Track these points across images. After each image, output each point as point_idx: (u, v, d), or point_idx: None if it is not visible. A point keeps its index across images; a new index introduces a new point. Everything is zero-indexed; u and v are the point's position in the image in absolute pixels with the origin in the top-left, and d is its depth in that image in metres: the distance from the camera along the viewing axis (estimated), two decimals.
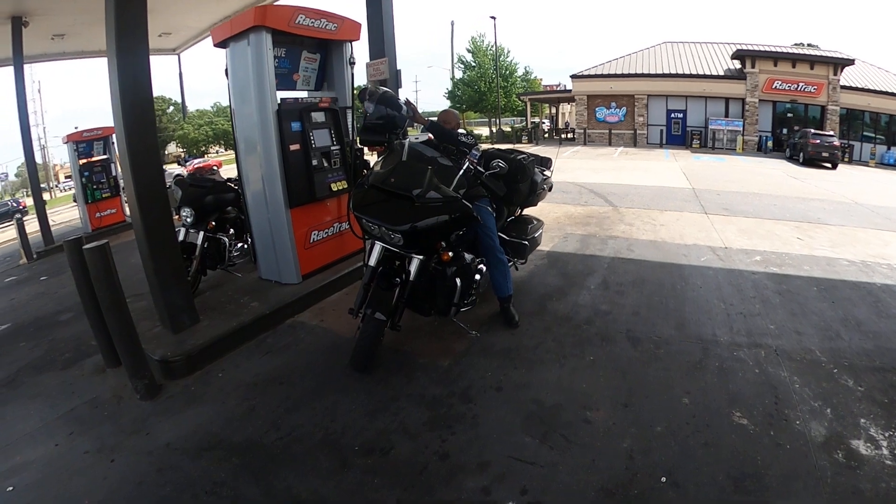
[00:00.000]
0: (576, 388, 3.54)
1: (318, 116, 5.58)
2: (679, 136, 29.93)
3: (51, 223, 12.38)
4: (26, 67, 11.38)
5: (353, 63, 5.94)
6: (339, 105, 5.90)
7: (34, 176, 12.87)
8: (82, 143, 12.63)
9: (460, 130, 4.45)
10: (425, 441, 3.05)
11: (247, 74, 4.94)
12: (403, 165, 3.76)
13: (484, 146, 4.68)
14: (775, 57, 27.61)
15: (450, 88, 42.29)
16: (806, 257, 6.41)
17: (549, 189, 5.57)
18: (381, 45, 6.74)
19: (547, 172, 5.49)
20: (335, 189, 5.68)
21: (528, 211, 5.49)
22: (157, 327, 4.57)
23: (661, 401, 3.35)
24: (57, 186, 49.56)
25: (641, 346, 4.08)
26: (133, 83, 4.10)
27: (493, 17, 36.20)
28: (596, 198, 11.16)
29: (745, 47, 28.86)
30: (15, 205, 30.41)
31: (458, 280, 3.85)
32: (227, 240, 5.97)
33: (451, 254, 3.83)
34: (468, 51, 40.16)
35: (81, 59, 13.48)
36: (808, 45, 30.29)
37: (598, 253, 6.70)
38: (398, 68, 6.83)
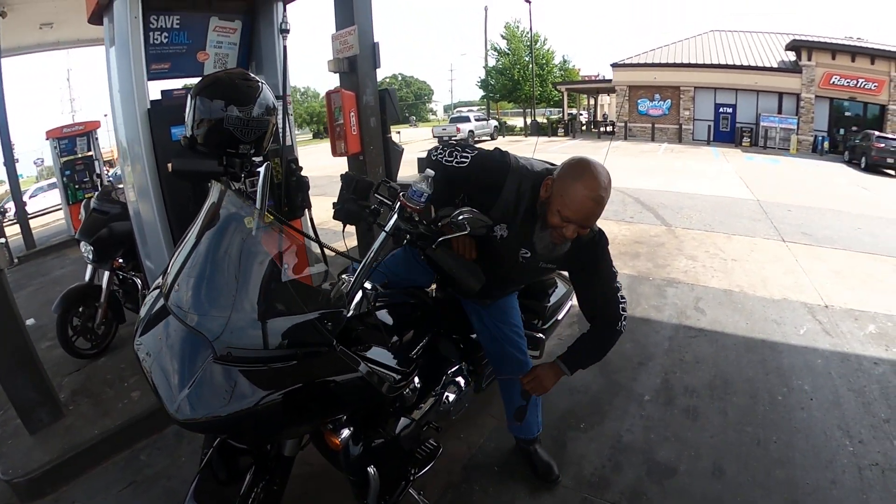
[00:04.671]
0: None
1: None
2: (728, 132, 28.12)
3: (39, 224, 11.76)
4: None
5: (287, 31, 3.95)
6: None
7: (13, 175, 11.81)
8: (63, 139, 11.42)
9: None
10: None
11: (110, 57, 3.27)
12: (208, 250, 1.74)
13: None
14: (833, 49, 25.46)
15: (482, 77, 40.66)
16: None
17: None
18: (350, 8, 4.79)
19: None
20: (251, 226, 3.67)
21: None
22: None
23: None
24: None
25: None
26: None
27: (529, 1, 34.27)
28: (644, 211, 9.45)
29: (800, 38, 26.62)
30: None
31: (371, 470, 1.99)
32: (139, 280, 4.46)
33: (344, 435, 1.88)
34: (502, 37, 39.23)
35: (77, 48, 12.34)
36: (857, 38, 27.75)
37: (653, 315, 4.85)
38: (375, 41, 4.90)
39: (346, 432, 1.87)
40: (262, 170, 1.85)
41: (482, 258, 2.19)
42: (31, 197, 17.47)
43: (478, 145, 2.39)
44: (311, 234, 2.65)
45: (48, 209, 17.17)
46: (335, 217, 2.07)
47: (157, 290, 1.77)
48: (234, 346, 1.52)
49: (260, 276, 1.64)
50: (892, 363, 3.97)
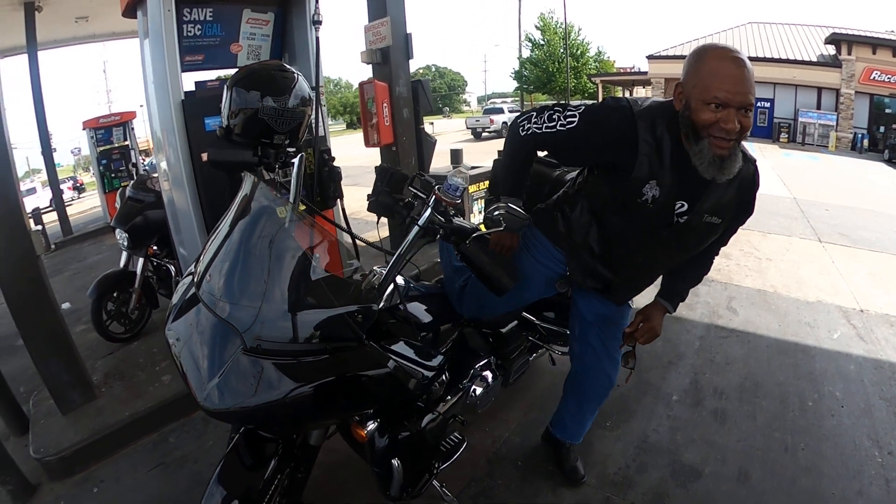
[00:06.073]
0: None
1: None
2: (765, 127, 27.03)
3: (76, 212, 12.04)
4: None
5: (320, 23, 3.84)
6: None
7: (51, 165, 12.29)
8: (100, 129, 11.74)
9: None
10: None
11: (144, 50, 3.33)
12: (240, 241, 1.74)
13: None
14: (874, 43, 24.23)
15: (516, 68, 40.51)
16: None
17: None
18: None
19: None
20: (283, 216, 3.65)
21: None
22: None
23: None
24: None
25: None
26: None
27: None
28: None
29: (840, 31, 25.60)
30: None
31: (396, 462, 1.96)
32: (172, 266, 4.56)
33: (370, 427, 1.89)
34: (537, 28, 38.93)
35: (112, 40, 12.60)
36: (893, 31, 26.58)
37: (685, 313, 4.68)
38: (408, 32, 4.84)
39: (372, 425, 1.85)
40: (296, 160, 1.85)
41: (627, 237, 2.02)
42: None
43: None
44: (343, 224, 2.64)
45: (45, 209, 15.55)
46: (369, 209, 2.04)
47: (190, 277, 1.78)
48: (264, 339, 1.51)
49: (291, 268, 1.62)
50: None
